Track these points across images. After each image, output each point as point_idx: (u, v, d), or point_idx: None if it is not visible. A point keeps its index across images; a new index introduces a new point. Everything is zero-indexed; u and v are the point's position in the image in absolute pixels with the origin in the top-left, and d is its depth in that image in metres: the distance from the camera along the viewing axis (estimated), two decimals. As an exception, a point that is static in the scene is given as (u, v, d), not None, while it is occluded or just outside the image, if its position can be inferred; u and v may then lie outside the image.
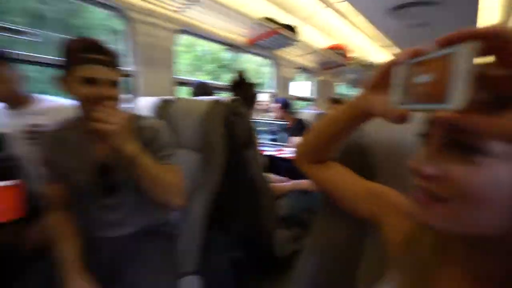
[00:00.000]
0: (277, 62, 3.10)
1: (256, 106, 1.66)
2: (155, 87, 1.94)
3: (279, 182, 1.70)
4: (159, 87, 1.97)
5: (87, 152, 0.86)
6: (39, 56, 1.49)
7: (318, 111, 2.58)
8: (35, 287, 0.79)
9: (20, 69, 1.20)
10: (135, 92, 1.90)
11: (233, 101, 1.18)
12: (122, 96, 0.87)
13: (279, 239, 1.29)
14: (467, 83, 0.21)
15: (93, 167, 0.85)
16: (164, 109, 1.38)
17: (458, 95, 0.22)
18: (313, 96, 4.04)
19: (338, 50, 3.45)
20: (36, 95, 1.24)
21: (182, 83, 2.22)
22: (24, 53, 1.42)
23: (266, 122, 2.50)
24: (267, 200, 1.22)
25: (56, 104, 1.25)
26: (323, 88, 4.11)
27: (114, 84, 0.82)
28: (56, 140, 0.87)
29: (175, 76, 2.13)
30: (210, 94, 1.86)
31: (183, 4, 1.87)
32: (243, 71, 1.53)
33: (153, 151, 0.87)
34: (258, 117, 2.64)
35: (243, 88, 1.46)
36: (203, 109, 1.11)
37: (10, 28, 1.36)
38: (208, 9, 1.97)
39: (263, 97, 2.87)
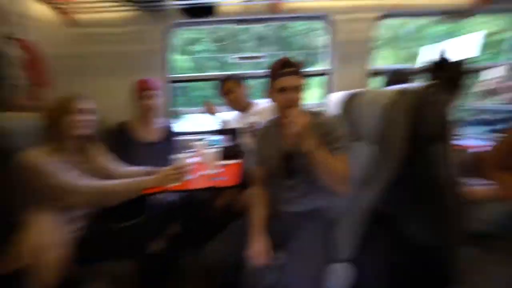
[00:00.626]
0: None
1: (466, 90, 1.22)
2: (348, 81, 1.99)
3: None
4: (352, 81, 1.99)
5: (279, 143, 1.13)
6: (259, 72, 2.06)
7: None
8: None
9: (247, 83, 1.75)
10: (329, 89, 2.07)
11: (425, 88, 0.99)
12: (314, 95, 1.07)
13: (461, 257, 0.94)
14: None
15: (281, 155, 1.11)
16: (349, 103, 1.42)
17: None
18: None
19: None
20: (254, 101, 1.75)
21: (380, 72, 2.08)
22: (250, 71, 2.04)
23: (486, 109, 1.73)
24: (454, 206, 0.92)
25: (266, 106, 1.66)
26: None
27: (298, 89, 1.06)
28: (263, 134, 1.22)
29: (373, 67, 2.05)
30: (406, 81, 1.61)
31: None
32: (444, 49, 1.19)
33: (328, 142, 1.03)
34: (475, 103, 1.89)
35: (445, 70, 1.14)
36: (385, 100, 1.03)
37: (247, 57, 2.01)
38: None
39: (494, 74, 1.97)
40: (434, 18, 2.05)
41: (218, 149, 1.46)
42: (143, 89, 1.61)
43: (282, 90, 1.06)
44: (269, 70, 1.12)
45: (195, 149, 1.61)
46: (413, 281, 1.04)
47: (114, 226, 1.19)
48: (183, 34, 3.31)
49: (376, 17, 1.94)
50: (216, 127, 1.77)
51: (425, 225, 1.01)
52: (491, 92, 1.97)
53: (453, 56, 1.16)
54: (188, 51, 3.37)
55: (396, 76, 1.65)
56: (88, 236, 1.13)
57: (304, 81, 1.09)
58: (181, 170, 1.25)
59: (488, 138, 1.67)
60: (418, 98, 0.97)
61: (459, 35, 2.20)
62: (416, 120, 0.96)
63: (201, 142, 1.66)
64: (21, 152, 1.04)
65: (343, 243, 1.05)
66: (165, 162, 1.52)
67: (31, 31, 1.74)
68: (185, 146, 1.86)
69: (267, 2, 1.89)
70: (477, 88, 2.02)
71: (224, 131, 1.68)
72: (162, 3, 1.82)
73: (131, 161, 1.41)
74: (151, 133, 1.68)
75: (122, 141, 1.53)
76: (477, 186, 1.19)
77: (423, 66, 1.24)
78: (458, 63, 1.16)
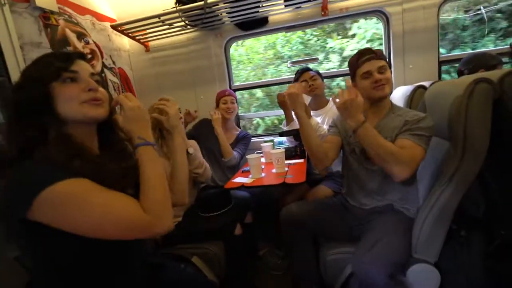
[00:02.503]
0: None
1: None
2: (414, 74, 1.90)
3: None
4: (418, 73, 1.89)
5: None
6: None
7: None
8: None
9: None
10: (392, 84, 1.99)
11: (508, 74, 0.92)
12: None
13: None
14: None
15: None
16: (415, 97, 1.37)
17: None
18: None
19: None
20: (328, 99, 1.89)
21: (451, 61, 1.93)
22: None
23: None
24: None
25: None
26: None
27: (382, 69, 1.13)
28: (342, 121, 1.28)
29: (442, 55, 1.92)
30: (491, 67, 1.47)
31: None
32: None
33: (405, 125, 1.07)
34: None
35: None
36: (459, 92, 0.98)
37: (299, 61, 2.11)
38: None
39: None
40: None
41: (285, 149, 1.57)
42: (222, 92, 2.00)
43: (366, 75, 1.14)
44: (350, 63, 1.23)
45: (264, 150, 1.76)
46: None
47: (206, 215, 1.46)
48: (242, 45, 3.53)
49: (437, 2, 1.82)
50: (282, 129, 1.89)
51: None
52: None
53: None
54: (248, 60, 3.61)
55: (476, 62, 1.51)
56: (187, 222, 1.42)
57: (385, 62, 1.14)
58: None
59: None
60: (502, 87, 0.91)
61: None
62: (500, 112, 0.91)
63: (269, 143, 1.80)
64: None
65: (425, 244, 1.02)
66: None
67: (121, 60, 2.13)
68: (256, 148, 2.09)
69: (317, 6, 1.94)
70: None
71: (288, 132, 1.77)
72: (219, 22, 2.02)
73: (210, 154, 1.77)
74: (227, 136, 1.94)
75: (206, 133, 1.91)
76: None
77: (504, 49, 1.14)
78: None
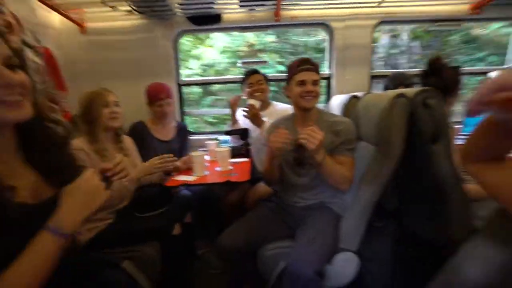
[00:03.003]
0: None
1: (460, 94, 1.33)
2: (350, 85, 2.11)
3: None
4: (354, 84, 2.10)
5: (293, 135, 1.22)
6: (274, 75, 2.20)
7: None
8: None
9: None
10: (331, 92, 2.18)
11: (421, 92, 1.09)
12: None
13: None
14: None
15: (293, 147, 1.22)
16: (350, 105, 1.52)
17: None
18: None
19: None
20: (271, 101, 1.92)
21: (380, 76, 2.20)
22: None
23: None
24: (456, 203, 1.02)
25: (280, 107, 1.79)
26: None
27: (316, 83, 1.21)
28: (274, 128, 1.31)
29: (373, 70, 2.17)
30: (408, 85, 1.72)
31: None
32: (439, 54, 1.30)
33: (341, 142, 1.18)
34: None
35: (440, 75, 1.25)
36: (384, 103, 1.13)
37: (251, 62, 2.14)
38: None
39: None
40: (426, 25, 2.18)
41: (229, 148, 1.57)
42: (156, 93, 1.73)
43: (300, 83, 1.20)
44: (288, 67, 1.28)
45: (208, 148, 1.73)
46: (415, 274, 1.12)
47: (143, 215, 1.35)
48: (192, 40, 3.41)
49: (373, 24, 2.06)
50: (227, 127, 1.89)
51: (428, 221, 1.11)
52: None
53: (445, 62, 1.28)
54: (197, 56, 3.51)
55: (397, 80, 1.75)
56: (120, 223, 1.28)
57: (319, 77, 1.23)
58: (164, 161, 1.35)
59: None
60: (415, 101, 1.07)
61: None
62: (413, 122, 1.07)
63: (214, 141, 1.78)
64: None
65: (349, 235, 1.14)
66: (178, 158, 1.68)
67: (48, 39, 1.84)
68: (199, 145, 2.00)
69: (270, 10, 2.01)
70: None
71: (235, 131, 1.78)
72: (170, 12, 1.92)
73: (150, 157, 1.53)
74: (166, 132, 1.82)
75: (141, 138, 1.66)
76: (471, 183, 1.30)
77: (420, 71, 1.36)
78: (452, 68, 1.28)
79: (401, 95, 1.07)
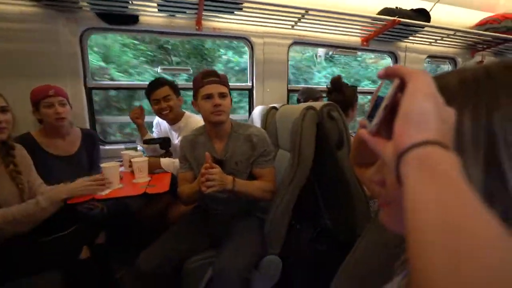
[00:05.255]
0: (398, 56, 2.74)
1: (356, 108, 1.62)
2: (270, 97, 2.27)
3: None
4: (273, 96, 2.28)
5: (208, 149, 1.22)
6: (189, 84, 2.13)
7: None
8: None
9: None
10: (253, 102, 2.31)
11: (326, 105, 1.27)
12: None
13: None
14: (380, 112, 0.29)
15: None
16: (270, 115, 1.64)
17: (373, 121, 0.29)
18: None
19: (497, 24, 2.63)
20: (183, 112, 1.79)
21: (296, 90, 2.45)
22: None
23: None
24: (359, 200, 1.22)
25: (193, 119, 1.74)
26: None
27: (224, 96, 1.19)
28: (191, 140, 1.29)
29: (290, 85, 2.40)
30: (316, 99, 1.97)
31: (298, 18, 2.05)
32: (339, 75, 1.56)
33: (259, 155, 1.21)
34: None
35: (340, 92, 1.50)
36: (297, 115, 1.26)
37: (171, 68, 2.06)
38: (320, 17, 2.03)
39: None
40: (331, 49, 2.57)
41: (146, 158, 1.45)
42: (42, 97, 1.38)
43: (207, 97, 1.17)
44: (194, 80, 1.23)
45: (123, 158, 1.56)
46: (331, 268, 1.27)
47: (42, 239, 1.12)
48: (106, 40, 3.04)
49: (288, 43, 2.29)
50: (144, 136, 1.74)
51: (338, 218, 1.27)
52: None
53: (343, 82, 1.54)
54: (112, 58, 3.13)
55: (306, 94, 1.98)
56: (6, 253, 1.03)
57: (226, 89, 1.21)
58: (100, 180, 1.21)
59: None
60: (322, 114, 1.24)
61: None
62: (321, 131, 1.23)
63: (129, 151, 1.61)
64: None
65: (272, 239, 1.21)
66: (87, 173, 1.43)
67: None
68: (112, 155, 1.77)
69: (191, 19, 2.00)
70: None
71: (154, 140, 1.66)
72: (74, 5, 1.69)
73: (45, 178, 1.26)
74: (66, 145, 1.50)
75: (30, 155, 1.26)
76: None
77: (326, 88, 1.58)
78: (349, 87, 1.54)
79: (310, 108, 1.22)
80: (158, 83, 1.65)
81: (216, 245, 1.21)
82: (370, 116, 0.31)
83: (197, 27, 2.02)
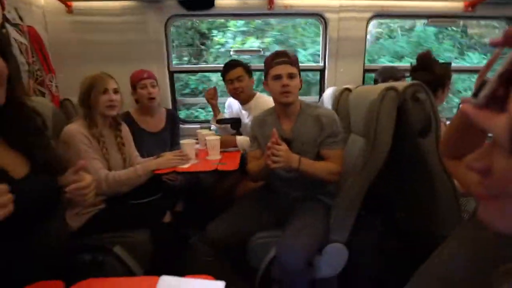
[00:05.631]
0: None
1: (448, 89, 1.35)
2: (343, 78, 2.11)
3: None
4: (347, 77, 2.11)
5: (276, 129, 1.19)
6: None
7: None
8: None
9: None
10: (324, 83, 2.18)
11: (411, 86, 1.10)
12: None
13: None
14: (493, 84, 0.23)
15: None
16: (342, 97, 1.53)
17: (482, 93, 0.24)
18: None
19: None
20: (255, 93, 1.85)
21: (371, 70, 2.21)
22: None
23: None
24: (446, 197, 1.05)
25: (263, 100, 1.76)
26: None
27: (292, 76, 1.17)
28: (260, 121, 1.31)
29: (367, 64, 2.18)
30: (397, 79, 1.74)
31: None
32: (429, 50, 1.32)
33: (327, 135, 1.16)
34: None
35: (430, 70, 1.27)
36: (374, 96, 1.14)
37: (243, 50, 2.09)
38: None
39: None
40: (421, 20, 2.19)
41: (218, 137, 1.56)
42: (138, 80, 1.65)
43: (276, 77, 1.17)
44: (265, 61, 1.24)
45: (198, 137, 1.71)
46: (400, 265, 1.16)
47: (134, 202, 1.34)
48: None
49: (367, 17, 2.05)
50: (217, 116, 1.87)
51: (415, 214, 1.14)
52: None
53: (434, 58, 1.30)
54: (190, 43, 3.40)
55: (387, 74, 1.76)
56: (111, 209, 1.27)
57: (296, 70, 1.19)
58: (182, 156, 1.37)
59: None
60: (404, 96, 1.09)
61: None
62: (401, 116, 1.08)
63: (203, 130, 1.76)
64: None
65: (338, 227, 1.16)
66: (169, 148, 1.66)
67: (32, 17, 1.76)
68: (189, 134, 1.97)
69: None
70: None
71: (226, 120, 1.77)
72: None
73: (139, 150, 1.50)
74: (155, 122, 1.75)
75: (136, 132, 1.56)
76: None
77: (410, 66, 1.37)
78: (441, 64, 1.30)
79: (391, 88, 1.08)
80: (232, 64, 1.74)
81: (280, 225, 1.23)
82: (475, 95, 0.25)
83: (268, 6, 1.99)
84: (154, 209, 1.34)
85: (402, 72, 1.77)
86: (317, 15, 2.10)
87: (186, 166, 1.35)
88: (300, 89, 1.23)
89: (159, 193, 1.42)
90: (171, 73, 2.19)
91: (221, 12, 2.08)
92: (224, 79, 1.79)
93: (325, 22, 2.10)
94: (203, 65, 2.61)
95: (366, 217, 1.21)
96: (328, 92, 1.78)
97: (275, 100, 1.24)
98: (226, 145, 1.57)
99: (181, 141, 1.42)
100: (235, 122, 1.74)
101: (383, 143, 1.08)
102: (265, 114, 1.33)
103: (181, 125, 2.11)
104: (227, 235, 1.19)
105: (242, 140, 1.65)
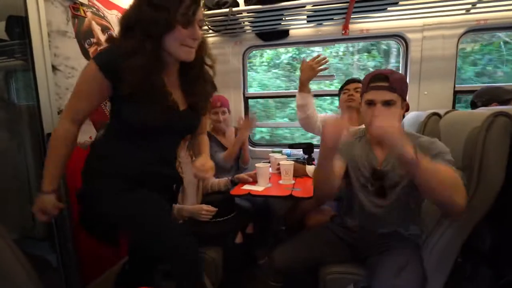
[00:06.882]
0: None
1: None
2: (427, 101, 1.91)
3: None
4: (432, 101, 1.90)
5: (368, 157, 1.10)
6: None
7: None
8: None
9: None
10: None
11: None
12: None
13: None
14: None
15: (370, 170, 1.07)
16: (429, 124, 1.37)
17: None
18: None
19: None
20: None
21: (464, 91, 1.94)
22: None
23: None
24: None
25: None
26: None
27: (390, 104, 0.99)
28: (347, 144, 1.15)
29: (458, 85, 1.93)
30: (503, 102, 1.47)
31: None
32: None
33: (433, 155, 0.92)
34: None
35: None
36: (476, 123, 0.99)
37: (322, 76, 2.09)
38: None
39: None
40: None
41: (292, 162, 1.56)
42: (212, 102, 1.81)
43: (369, 102, 1.02)
44: (363, 81, 1.10)
45: (270, 160, 1.76)
46: None
47: (210, 220, 1.40)
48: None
49: (459, 33, 1.85)
50: (293, 140, 1.90)
51: None
52: None
53: None
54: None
55: (488, 96, 1.52)
56: (189, 224, 1.35)
57: (396, 96, 0.99)
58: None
59: None
60: (518, 122, 0.91)
61: None
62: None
63: (275, 154, 1.80)
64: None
65: (430, 276, 0.99)
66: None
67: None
68: (258, 156, 2.05)
69: (338, 25, 1.97)
70: None
71: (299, 145, 1.77)
72: (241, 30, 2.06)
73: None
74: (226, 140, 1.96)
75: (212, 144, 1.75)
76: None
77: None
78: None
79: (501, 114, 0.92)
80: (354, 79, 1.77)
81: (356, 260, 1.13)
82: None
83: (343, 32, 1.99)
84: (227, 228, 1.40)
85: (510, 93, 1.50)
86: (397, 36, 1.99)
87: (260, 189, 1.39)
88: (403, 116, 1.06)
89: (232, 213, 1.48)
90: (246, 98, 2.35)
91: (295, 41, 2.16)
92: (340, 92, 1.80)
93: (405, 43, 1.97)
94: (274, 91, 2.72)
95: (467, 268, 1.01)
96: (410, 117, 1.62)
97: (367, 126, 1.09)
98: (295, 173, 1.55)
99: (257, 165, 1.47)
100: (308, 147, 1.73)
101: (492, 179, 0.90)
102: (353, 135, 1.17)
103: (250, 147, 2.20)
104: (293, 261, 1.15)
105: (313, 169, 1.62)
